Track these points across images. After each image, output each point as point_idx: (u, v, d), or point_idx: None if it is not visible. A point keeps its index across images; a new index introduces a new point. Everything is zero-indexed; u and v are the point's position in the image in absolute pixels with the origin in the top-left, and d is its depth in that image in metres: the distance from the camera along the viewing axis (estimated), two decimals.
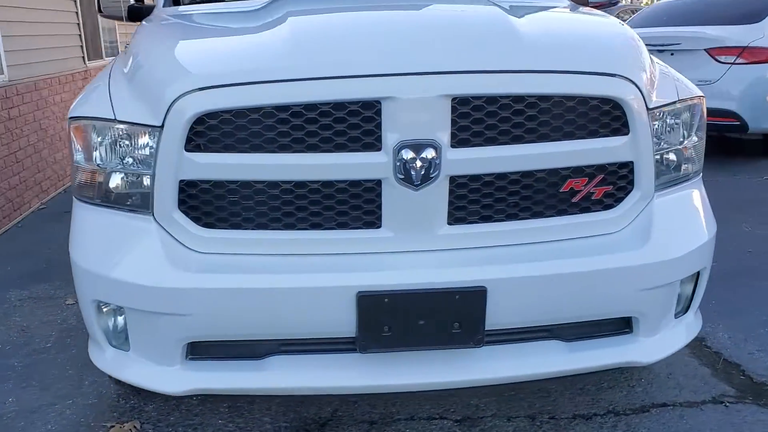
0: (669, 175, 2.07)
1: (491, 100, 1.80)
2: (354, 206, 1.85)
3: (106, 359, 2.03)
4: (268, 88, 1.76)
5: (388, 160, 1.78)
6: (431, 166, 1.79)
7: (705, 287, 2.18)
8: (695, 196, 2.14)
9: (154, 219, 1.89)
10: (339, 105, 1.77)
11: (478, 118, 1.81)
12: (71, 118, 2.00)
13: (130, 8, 3.29)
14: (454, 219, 1.88)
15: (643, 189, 1.98)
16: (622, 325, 2.02)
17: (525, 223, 1.92)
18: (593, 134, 1.89)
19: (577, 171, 1.91)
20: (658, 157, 2.02)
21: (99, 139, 1.92)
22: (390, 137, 1.77)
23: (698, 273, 2.11)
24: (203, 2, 2.99)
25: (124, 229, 1.91)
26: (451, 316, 1.81)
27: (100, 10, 3.33)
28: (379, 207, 1.84)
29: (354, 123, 1.78)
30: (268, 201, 1.85)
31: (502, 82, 1.80)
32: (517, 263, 1.85)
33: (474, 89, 1.78)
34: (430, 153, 1.77)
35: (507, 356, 1.93)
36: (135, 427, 2.36)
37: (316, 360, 1.90)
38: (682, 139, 2.08)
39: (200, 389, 1.91)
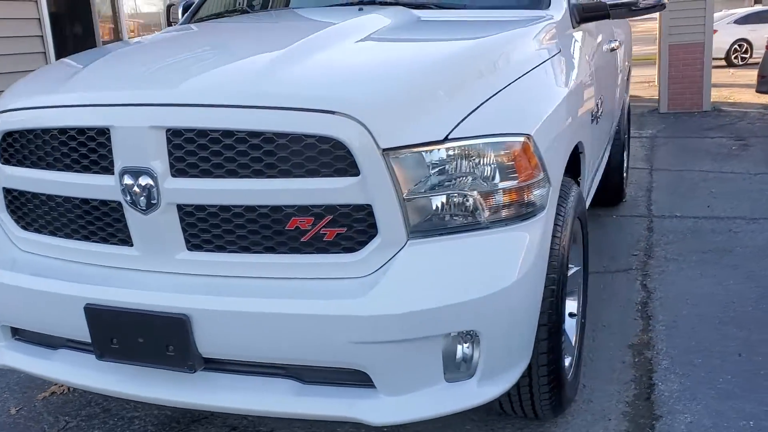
0: (435, 222, 1.84)
1: (204, 133, 1.82)
2: (108, 223, 2.01)
3: None
4: (31, 113, 2.00)
5: (115, 183, 1.90)
6: (150, 194, 1.87)
7: (508, 352, 1.90)
8: (483, 246, 1.87)
9: None
10: (81, 130, 1.94)
11: (192, 151, 1.84)
12: None
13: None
14: (192, 245, 1.93)
15: (386, 235, 1.81)
16: (366, 378, 1.88)
17: (258, 257, 1.89)
18: (314, 173, 1.78)
19: (303, 210, 1.82)
20: (423, 199, 1.82)
21: None
22: (117, 163, 1.89)
23: (477, 335, 1.85)
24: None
25: None
26: (163, 339, 1.88)
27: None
28: (126, 227, 1.98)
29: (92, 147, 1.94)
30: (50, 212, 2.10)
31: (213, 116, 1.81)
32: (223, 296, 1.85)
33: (185, 122, 1.82)
34: (145, 180, 1.86)
35: (227, 386, 1.93)
36: None
37: (82, 358, 2.11)
38: (454, 183, 1.84)
39: (7, 366, 2.23)
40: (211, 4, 3.38)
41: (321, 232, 1.83)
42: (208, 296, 1.85)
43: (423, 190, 1.81)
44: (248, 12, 3.26)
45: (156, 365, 1.93)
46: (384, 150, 1.74)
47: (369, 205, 1.79)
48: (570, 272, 2.58)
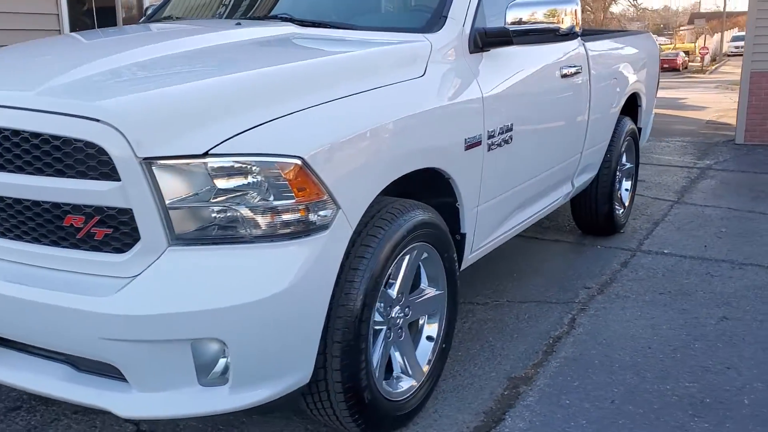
0: (198, 232, 1.93)
1: None
2: None
3: None
4: None
5: None
6: None
7: (262, 363, 1.98)
8: (240, 259, 1.95)
9: None
10: None
11: None
12: None
13: None
14: None
15: (147, 239, 1.92)
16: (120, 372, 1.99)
17: (33, 246, 2.05)
18: (83, 175, 1.92)
19: (76, 209, 1.97)
20: (185, 210, 1.92)
21: None
22: None
23: (224, 343, 1.93)
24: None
25: None
26: None
27: None
28: None
29: None
30: None
31: (4, 116, 1.98)
32: (3, 280, 2.02)
33: None
34: None
35: (13, 364, 2.10)
36: None
37: None
38: (218, 196, 1.92)
39: None
40: (169, 8, 3.58)
41: (92, 231, 1.97)
42: None
43: (185, 201, 1.91)
44: (160, 21, 3.42)
45: None
46: (144, 159, 1.86)
47: (131, 210, 1.90)
48: (427, 295, 2.61)
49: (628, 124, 4.87)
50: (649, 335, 3.36)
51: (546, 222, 5.33)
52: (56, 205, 1.99)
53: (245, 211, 1.95)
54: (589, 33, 5.84)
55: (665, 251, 4.66)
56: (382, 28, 2.82)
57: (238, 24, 2.77)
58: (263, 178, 1.94)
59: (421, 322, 2.73)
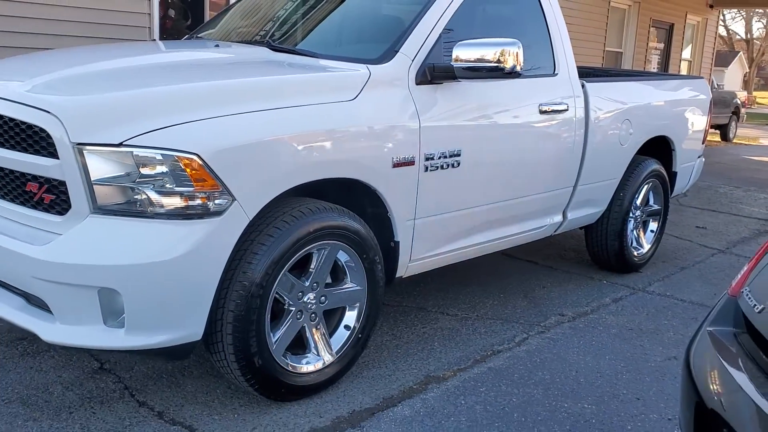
0: (113, 205, 2.48)
1: None
2: None
3: None
4: None
5: None
6: None
7: (150, 316, 2.49)
8: (142, 229, 2.47)
9: None
10: None
11: None
12: None
13: None
14: None
15: (76, 206, 2.51)
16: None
17: (14, 206, 2.69)
18: (37, 153, 2.54)
19: (33, 178, 2.60)
20: (105, 186, 2.49)
21: None
22: None
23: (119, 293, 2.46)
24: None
25: None
26: None
27: None
28: None
29: None
30: None
31: None
32: None
33: None
34: None
35: None
36: None
37: None
38: (129, 178, 2.46)
39: None
40: (208, 28, 4.24)
41: (42, 196, 2.58)
42: None
43: (105, 179, 2.47)
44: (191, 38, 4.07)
45: None
46: (76, 144, 2.44)
47: (65, 182, 2.50)
48: (344, 289, 3.04)
49: (652, 166, 4.97)
50: (585, 361, 3.55)
51: (571, 254, 5.50)
52: (22, 174, 2.62)
53: (152, 193, 2.48)
54: (630, 74, 5.96)
55: (668, 293, 4.71)
56: (341, 58, 3.27)
57: (216, 46, 3.34)
58: (168, 168, 2.46)
59: (345, 312, 3.14)
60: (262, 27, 3.92)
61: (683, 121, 5.28)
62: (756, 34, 47.44)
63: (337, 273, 3.08)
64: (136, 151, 2.45)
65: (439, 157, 3.29)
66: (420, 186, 3.24)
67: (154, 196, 2.48)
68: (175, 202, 2.49)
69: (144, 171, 2.46)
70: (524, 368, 3.42)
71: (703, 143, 5.71)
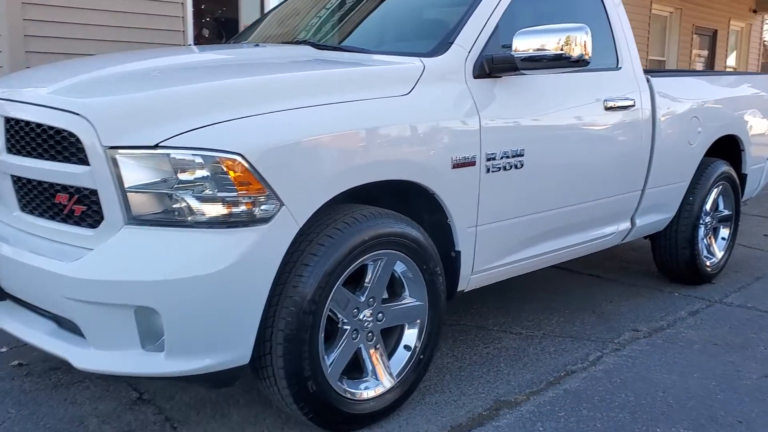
0: (150, 214, 2.22)
1: (17, 120, 2.45)
2: None
3: None
4: None
5: None
6: None
7: (194, 337, 2.22)
8: (182, 240, 2.21)
9: None
10: None
11: (13, 133, 2.48)
12: None
13: None
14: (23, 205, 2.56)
15: (109, 217, 2.26)
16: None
17: (42, 221, 2.46)
18: (67, 160, 2.31)
19: (64, 188, 2.36)
20: (140, 194, 2.24)
21: None
22: None
23: (157, 313, 2.20)
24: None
25: None
26: None
27: None
28: None
29: None
30: None
31: (20, 108, 2.43)
32: (8, 244, 2.45)
33: (9, 112, 2.47)
34: None
35: (15, 317, 2.51)
36: None
37: None
38: (168, 183, 2.20)
39: None
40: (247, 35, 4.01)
41: (73, 208, 2.34)
42: (3, 244, 2.46)
43: (141, 186, 2.22)
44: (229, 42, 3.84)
45: None
46: (107, 147, 2.20)
47: (97, 191, 2.25)
48: (403, 304, 2.74)
49: (722, 168, 4.60)
50: (672, 381, 3.18)
51: (635, 266, 5.13)
52: (51, 185, 2.38)
53: (192, 200, 2.22)
54: (686, 73, 5.61)
55: (748, 305, 4.31)
56: (393, 52, 3.01)
57: (257, 46, 3.10)
58: (209, 172, 2.20)
59: (404, 331, 2.84)
60: (304, 28, 3.68)
61: (752, 120, 4.90)
62: None
63: (394, 287, 2.79)
64: (173, 153, 2.20)
65: (502, 157, 2.99)
66: (482, 189, 2.94)
67: (194, 204, 2.22)
68: (217, 209, 2.23)
69: (182, 176, 2.20)
70: (604, 390, 3.07)
71: None
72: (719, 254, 4.81)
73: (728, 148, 4.79)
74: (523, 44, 2.91)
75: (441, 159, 2.77)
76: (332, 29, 3.57)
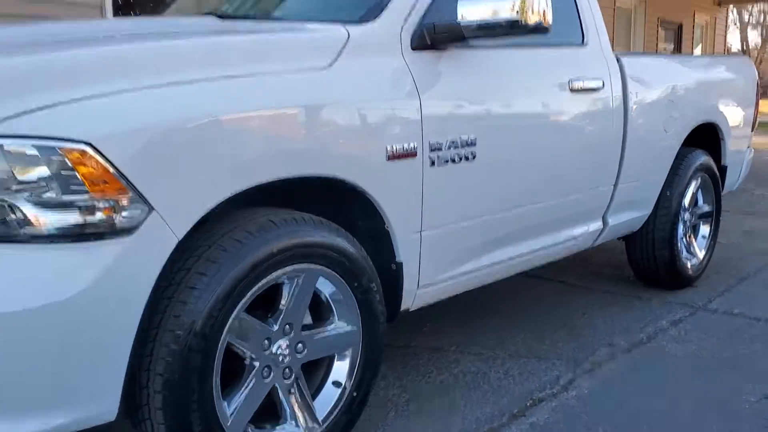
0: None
1: None
2: None
3: None
4: None
5: None
6: None
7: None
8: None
9: None
10: None
11: None
12: None
13: None
14: None
15: None
16: None
17: None
18: None
19: None
20: None
21: None
22: None
23: None
24: None
25: None
26: None
27: None
28: None
29: None
30: None
31: None
32: None
33: None
34: None
35: None
36: None
37: None
38: None
39: None
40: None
41: None
42: None
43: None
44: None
45: None
46: None
47: None
48: (329, 332, 2.20)
49: (700, 159, 4.14)
50: (658, 408, 2.68)
51: (607, 270, 4.64)
52: None
53: (28, 207, 1.65)
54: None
55: (735, 311, 3.84)
56: (312, 19, 2.47)
57: (154, 18, 2.53)
58: (48, 168, 1.64)
59: (333, 363, 2.29)
60: (226, 1, 3.11)
61: (731, 105, 4.45)
62: (752, 45, 46.66)
63: (320, 310, 2.25)
64: (3, 142, 1.62)
65: (449, 147, 2.47)
66: (426, 186, 2.41)
67: (30, 211, 1.64)
68: (62, 217, 1.66)
69: (18, 174, 1.63)
70: (579, 422, 2.56)
71: (752, 131, 4.88)
72: (700, 254, 4.35)
73: (706, 138, 4.34)
74: (471, 11, 2.39)
75: (372, 149, 2.23)
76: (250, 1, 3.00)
